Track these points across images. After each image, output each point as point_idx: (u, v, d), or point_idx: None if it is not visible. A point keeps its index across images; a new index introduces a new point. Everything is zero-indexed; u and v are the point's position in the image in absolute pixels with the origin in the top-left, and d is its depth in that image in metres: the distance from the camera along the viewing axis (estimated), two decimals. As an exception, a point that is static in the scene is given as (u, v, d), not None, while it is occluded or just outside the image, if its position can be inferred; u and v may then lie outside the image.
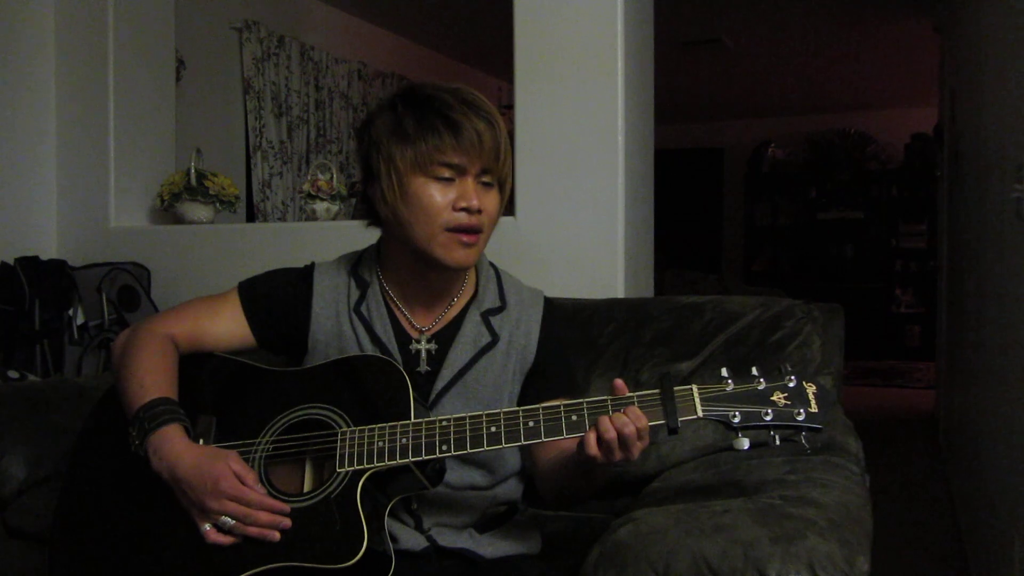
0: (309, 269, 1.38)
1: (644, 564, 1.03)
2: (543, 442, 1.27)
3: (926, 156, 7.53)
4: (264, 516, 1.13)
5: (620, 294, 2.15)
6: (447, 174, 1.21)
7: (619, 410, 1.11)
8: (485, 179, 1.24)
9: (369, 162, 1.27)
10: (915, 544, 3.07)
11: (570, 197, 2.19)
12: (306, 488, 1.20)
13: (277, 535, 1.13)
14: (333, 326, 1.33)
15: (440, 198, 1.21)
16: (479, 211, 1.22)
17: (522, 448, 1.37)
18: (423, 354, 1.31)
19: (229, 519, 1.12)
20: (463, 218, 1.22)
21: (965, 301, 3.30)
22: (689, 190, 8.71)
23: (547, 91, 2.21)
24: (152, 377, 1.24)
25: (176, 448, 1.16)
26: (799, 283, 7.97)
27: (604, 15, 2.15)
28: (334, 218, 2.60)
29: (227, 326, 1.34)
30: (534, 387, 1.34)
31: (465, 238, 1.23)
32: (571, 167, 2.19)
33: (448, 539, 1.29)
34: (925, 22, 5.15)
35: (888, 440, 4.73)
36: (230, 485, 1.13)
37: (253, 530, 1.12)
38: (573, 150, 2.19)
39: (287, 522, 1.13)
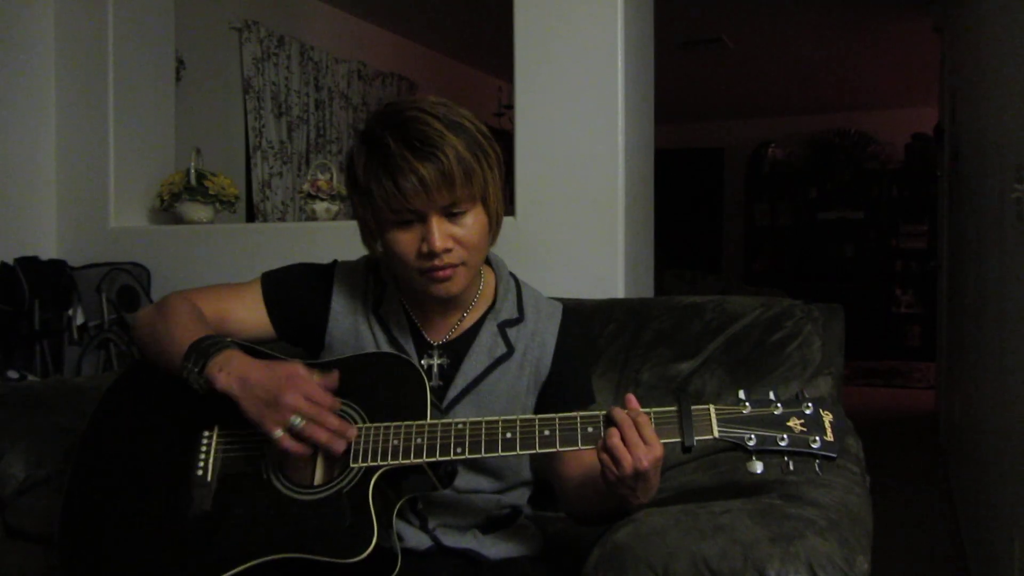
0: (331, 266, 1.39)
1: (644, 565, 1.03)
2: (560, 456, 1.27)
3: (926, 156, 7.53)
4: (333, 419, 1.12)
5: (620, 294, 2.15)
6: (408, 217, 1.18)
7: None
8: (454, 210, 1.19)
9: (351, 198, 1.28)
10: (915, 544, 3.07)
11: (570, 197, 2.19)
12: (317, 481, 1.20)
13: (343, 444, 1.12)
14: (351, 325, 1.34)
15: (407, 243, 1.20)
16: (448, 250, 1.19)
17: (542, 464, 1.38)
18: (435, 368, 1.32)
19: (299, 419, 1.11)
20: (429, 262, 1.20)
21: (965, 301, 3.30)
22: (689, 190, 8.71)
23: (547, 91, 2.21)
24: (198, 324, 1.25)
25: (245, 360, 1.17)
26: (799, 283, 7.96)
27: (604, 15, 2.15)
28: (334, 218, 2.60)
29: (248, 312, 1.35)
30: (548, 399, 1.34)
31: (439, 275, 1.21)
32: (571, 167, 2.19)
33: (452, 539, 1.29)
34: (925, 22, 5.15)
35: (888, 440, 4.73)
36: (303, 380, 1.13)
37: (322, 434, 1.11)
38: (573, 150, 2.19)
39: (353, 432, 1.14)
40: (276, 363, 1.16)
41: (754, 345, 1.63)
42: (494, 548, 1.31)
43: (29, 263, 2.58)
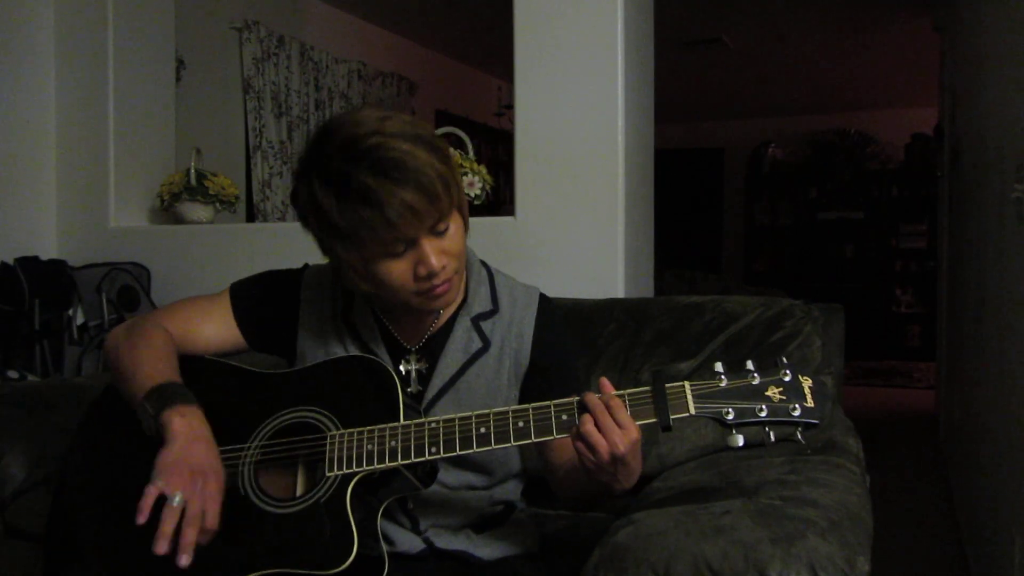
0: (300, 273, 1.37)
1: (645, 566, 1.03)
2: (547, 445, 1.25)
3: (926, 156, 7.53)
4: (191, 537, 1.07)
5: (620, 294, 2.15)
6: (399, 248, 1.14)
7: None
8: (439, 227, 1.16)
9: (312, 233, 1.20)
10: (915, 544, 3.07)
11: (570, 197, 2.19)
12: (299, 492, 1.19)
13: (184, 561, 1.06)
14: (319, 334, 1.31)
15: (401, 272, 1.15)
16: (443, 266, 1.17)
17: (531, 455, 1.36)
18: (413, 374, 1.30)
19: (179, 499, 1.06)
20: (428, 283, 1.17)
21: (965, 301, 3.30)
22: (689, 190, 8.71)
23: (547, 91, 2.21)
24: (164, 364, 1.22)
25: (206, 428, 1.15)
26: (799, 283, 7.96)
27: (604, 15, 2.15)
28: (334, 218, 2.60)
29: (218, 328, 1.33)
30: (533, 389, 1.31)
31: (437, 291, 1.19)
32: (571, 167, 2.19)
33: (445, 540, 1.28)
34: (925, 22, 5.15)
35: (888, 440, 4.73)
36: (217, 487, 1.10)
37: (168, 527, 1.06)
38: (573, 150, 2.19)
39: (183, 561, 1.07)
40: (219, 456, 1.14)
41: (754, 345, 1.63)
42: (488, 548, 1.29)
43: (29, 263, 2.58)
